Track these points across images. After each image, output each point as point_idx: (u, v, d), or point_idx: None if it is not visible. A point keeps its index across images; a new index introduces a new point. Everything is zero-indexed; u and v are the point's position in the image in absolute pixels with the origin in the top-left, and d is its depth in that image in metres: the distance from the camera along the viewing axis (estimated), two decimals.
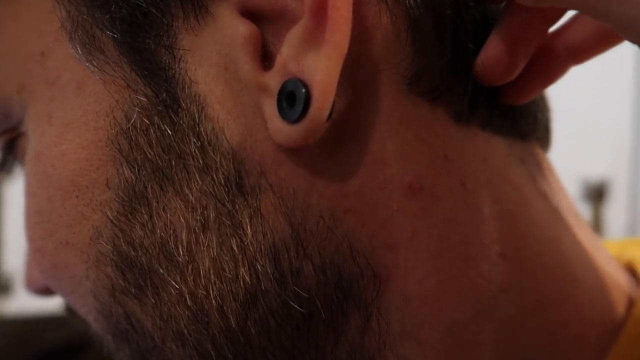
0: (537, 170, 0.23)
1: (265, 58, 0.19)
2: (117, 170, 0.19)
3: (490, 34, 0.20)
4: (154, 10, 0.19)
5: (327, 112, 0.18)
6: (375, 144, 0.19)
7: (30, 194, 0.21)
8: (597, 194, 1.31)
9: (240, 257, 0.19)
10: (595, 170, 1.26)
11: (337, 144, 0.19)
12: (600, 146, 1.16)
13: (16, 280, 1.28)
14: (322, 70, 0.17)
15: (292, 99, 0.18)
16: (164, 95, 0.19)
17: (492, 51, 0.20)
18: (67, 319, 0.24)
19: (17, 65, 0.21)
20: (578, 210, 0.25)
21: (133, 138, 0.19)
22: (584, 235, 0.23)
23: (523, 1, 0.16)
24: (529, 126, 0.23)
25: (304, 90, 0.17)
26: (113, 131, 0.19)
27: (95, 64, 0.19)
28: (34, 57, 0.21)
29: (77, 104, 0.20)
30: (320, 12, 0.17)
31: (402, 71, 0.19)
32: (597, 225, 1.38)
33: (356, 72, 0.19)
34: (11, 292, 1.27)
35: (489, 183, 0.21)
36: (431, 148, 0.20)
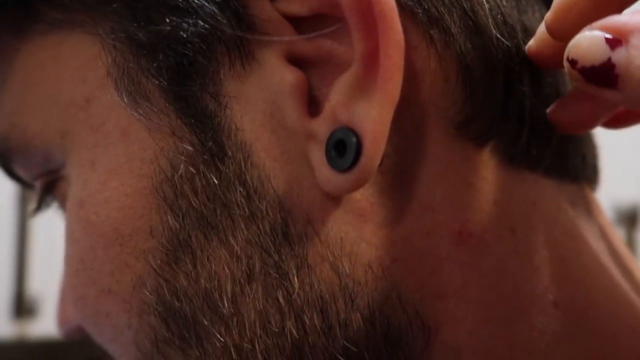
0: (587, 212, 0.22)
1: (311, 104, 0.19)
2: (161, 218, 0.19)
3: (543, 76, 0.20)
4: (200, 58, 0.19)
5: (378, 161, 0.17)
6: (423, 190, 0.19)
7: (73, 241, 0.21)
8: (629, 219, 1.28)
9: (286, 309, 0.18)
10: (627, 196, 1.23)
11: (384, 191, 0.19)
12: (632, 171, 1.13)
13: (41, 304, 1.29)
14: (373, 118, 0.17)
15: (342, 147, 0.17)
16: (210, 143, 0.19)
17: (567, 108, 0.20)
18: (90, 343, 0.23)
19: (59, 110, 0.21)
20: (629, 253, 0.24)
21: (178, 186, 0.19)
22: None
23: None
24: (577, 167, 0.22)
25: (354, 139, 0.17)
26: (157, 179, 0.19)
27: (141, 111, 0.19)
28: (77, 103, 0.21)
29: (122, 150, 0.20)
30: (371, 60, 0.17)
31: (451, 116, 0.19)
32: (630, 250, 1.34)
33: (404, 116, 0.19)
34: (36, 315, 1.28)
35: (539, 228, 0.20)
36: (480, 193, 0.19)
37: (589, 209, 0.22)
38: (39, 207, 0.25)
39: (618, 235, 0.24)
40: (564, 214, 0.21)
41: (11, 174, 0.24)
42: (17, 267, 1.27)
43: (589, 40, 0.15)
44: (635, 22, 0.15)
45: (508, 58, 0.20)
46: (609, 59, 0.15)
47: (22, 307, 1.26)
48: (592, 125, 0.20)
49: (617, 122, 0.21)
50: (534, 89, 0.20)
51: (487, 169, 0.20)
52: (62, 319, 0.25)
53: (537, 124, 0.20)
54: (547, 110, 0.20)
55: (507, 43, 0.19)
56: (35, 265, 1.28)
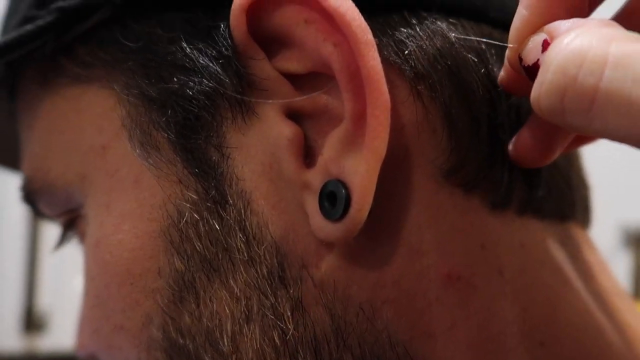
0: (577, 251, 0.23)
1: (308, 154, 0.20)
2: (169, 260, 0.21)
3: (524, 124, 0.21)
4: (205, 114, 0.20)
5: (366, 213, 0.19)
6: (413, 235, 0.20)
7: (90, 278, 0.23)
8: (636, 241, 1.26)
9: (282, 348, 0.19)
10: (634, 218, 1.22)
11: (376, 236, 0.20)
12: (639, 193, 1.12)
13: (50, 318, 1.30)
14: (361, 173, 0.18)
15: (333, 198, 0.19)
16: (213, 192, 0.20)
17: (522, 141, 0.20)
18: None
19: (79, 155, 0.23)
20: (623, 289, 0.25)
21: (183, 231, 0.20)
22: (631, 317, 0.23)
23: (541, 114, 0.17)
24: (567, 208, 0.23)
25: (344, 192, 0.18)
26: (165, 223, 0.21)
27: (151, 161, 0.21)
28: (95, 150, 0.22)
29: (134, 196, 0.21)
30: (360, 118, 0.18)
31: (439, 165, 0.20)
32: (638, 273, 1.33)
33: (394, 166, 0.20)
34: (45, 329, 1.29)
35: (527, 270, 0.21)
36: (468, 237, 0.20)
37: (578, 248, 0.23)
38: (62, 243, 0.26)
39: (609, 272, 0.25)
40: (552, 255, 0.22)
41: (37, 211, 0.26)
42: (27, 282, 1.28)
43: (533, 42, 0.17)
44: (564, 27, 0.16)
45: (491, 109, 0.21)
46: (537, 60, 0.16)
47: (32, 322, 1.27)
48: (550, 155, 0.20)
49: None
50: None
51: (475, 214, 0.21)
52: (79, 345, 0.26)
53: (522, 169, 0.21)
54: (508, 149, 0.21)
55: (490, 95, 0.21)
56: (45, 281, 1.29)
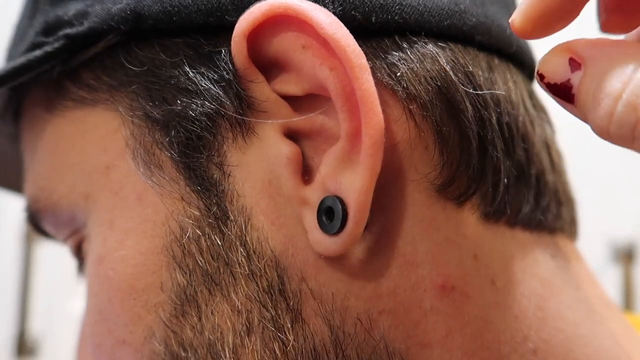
0: (566, 263, 0.24)
1: (306, 172, 0.21)
2: (171, 275, 0.21)
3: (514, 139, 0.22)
4: (207, 134, 0.21)
5: (362, 227, 0.19)
6: (407, 247, 0.21)
7: (92, 294, 0.23)
8: (626, 256, 1.27)
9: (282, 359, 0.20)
10: (623, 232, 1.23)
11: (372, 248, 0.21)
12: (628, 207, 1.14)
13: (42, 343, 1.27)
14: (357, 189, 0.19)
15: (331, 213, 0.20)
16: (215, 208, 0.21)
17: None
18: None
19: (83, 176, 0.23)
20: (610, 299, 0.26)
21: (186, 246, 0.21)
22: (618, 327, 0.24)
23: (608, 140, 0.17)
24: (555, 221, 0.24)
25: (341, 207, 0.19)
26: (168, 239, 0.21)
27: (154, 179, 0.22)
28: (99, 170, 0.23)
29: (137, 213, 0.22)
30: (355, 137, 0.19)
31: (431, 179, 0.21)
32: (627, 287, 1.33)
33: (389, 181, 0.21)
34: (37, 355, 1.27)
35: (518, 280, 0.22)
36: (460, 249, 0.21)
37: (567, 259, 0.24)
38: (80, 269, 0.27)
39: (597, 283, 0.25)
40: (542, 266, 0.23)
41: (42, 232, 0.26)
42: (19, 306, 1.27)
43: (556, 61, 0.17)
44: (596, 50, 0.16)
45: (481, 127, 0.22)
46: (569, 80, 0.17)
47: (24, 347, 1.25)
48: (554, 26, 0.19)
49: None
50: (507, 153, 0.22)
51: (467, 226, 0.21)
52: None
53: (513, 183, 0.22)
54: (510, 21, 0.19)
55: (480, 114, 0.22)
56: (37, 305, 1.27)
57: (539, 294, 0.22)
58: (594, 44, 0.17)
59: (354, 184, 0.19)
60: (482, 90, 0.22)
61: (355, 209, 0.19)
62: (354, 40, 0.19)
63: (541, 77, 0.18)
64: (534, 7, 0.17)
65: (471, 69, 0.22)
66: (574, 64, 0.17)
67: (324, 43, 0.19)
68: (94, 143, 0.23)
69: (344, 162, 0.20)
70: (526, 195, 0.23)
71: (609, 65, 0.16)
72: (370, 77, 0.19)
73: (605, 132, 0.16)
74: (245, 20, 0.20)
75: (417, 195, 0.21)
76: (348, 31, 0.19)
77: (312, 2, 0.20)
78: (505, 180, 0.22)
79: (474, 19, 0.22)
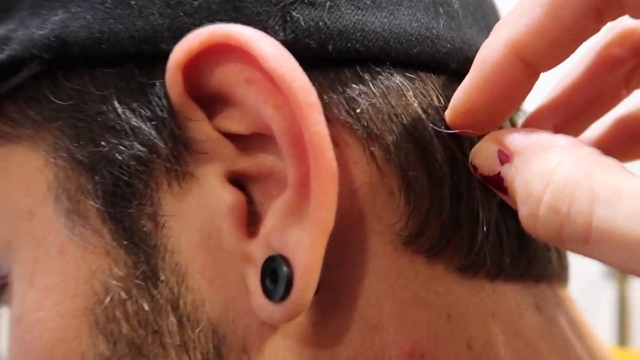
0: (554, 315, 0.21)
1: (253, 221, 0.18)
2: (93, 342, 0.19)
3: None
4: (136, 181, 0.18)
5: (311, 294, 0.17)
6: (370, 308, 0.18)
7: (13, 354, 0.21)
8: (621, 273, 1.26)
9: None
10: None
11: (328, 309, 0.18)
12: None
13: None
14: (305, 248, 0.17)
15: (276, 275, 0.17)
16: (144, 267, 0.18)
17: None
18: None
19: (6, 220, 0.21)
20: (606, 350, 0.23)
21: (110, 310, 0.18)
22: None
23: (539, 239, 0.17)
24: (542, 267, 0.22)
25: (285, 269, 0.17)
26: (90, 301, 0.19)
27: (77, 232, 0.19)
28: (21, 215, 0.20)
29: (58, 268, 0.19)
30: (304, 186, 0.17)
31: (397, 230, 0.18)
32: (622, 304, 1.32)
33: (348, 232, 0.18)
34: None
35: (498, 341, 0.19)
36: (432, 308, 0.19)
37: (556, 309, 0.22)
38: None
39: (590, 333, 0.23)
40: (527, 322, 0.20)
41: None
42: None
43: (485, 153, 0.17)
44: (522, 142, 0.16)
45: (454, 169, 0.19)
46: (499, 173, 0.17)
47: None
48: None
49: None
50: (486, 196, 0.20)
51: (440, 283, 0.19)
52: None
53: (493, 230, 0.20)
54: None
55: (452, 154, 0.19)
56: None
57: (522, 356, 0.19)
58: (522, 135, 0.16)
59: (301, 242, 0.17)
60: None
61: (301, 273, 0.17)
62: (304, 74, 0.17)
63: (474, 169, 0.18)
64: (461, 101, 0.18)
65: (443, 103, 0.19)
66: (503, 157, 0.17)
67: (270, 77, 0.17)
68: (16, 184, 0.21)
69: (291, 215, 0.17)
70: (509, 243, 0.20)
71: (531, 163, 0.16)
72: (322, 117, 0.17)
73: (534, 233, 0.16)
74: (182, 50, 0.17)
75: (381, 247, 0.18)
76: (297, 64, 0.17)
77: (260, 28, 0.18)
78: (484, 227, 0.20)
79: (448, 45, 0.20)
